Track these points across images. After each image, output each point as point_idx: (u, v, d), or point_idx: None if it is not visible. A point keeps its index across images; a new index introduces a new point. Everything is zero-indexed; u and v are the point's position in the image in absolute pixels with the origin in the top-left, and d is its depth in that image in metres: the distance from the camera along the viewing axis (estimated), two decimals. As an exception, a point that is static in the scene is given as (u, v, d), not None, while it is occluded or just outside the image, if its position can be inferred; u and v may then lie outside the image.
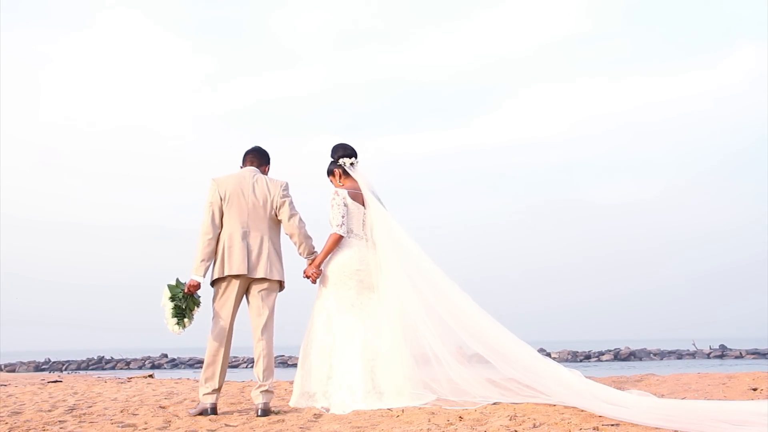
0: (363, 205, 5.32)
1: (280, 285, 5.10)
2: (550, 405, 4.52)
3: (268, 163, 5.28)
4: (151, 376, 10.19)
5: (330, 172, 5.48)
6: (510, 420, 4.08)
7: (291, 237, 5.17)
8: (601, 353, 26.79)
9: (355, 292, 5.21)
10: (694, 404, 4.31)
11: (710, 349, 27.78)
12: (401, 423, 4.21)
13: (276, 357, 25.61)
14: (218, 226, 4.98)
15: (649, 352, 26.93)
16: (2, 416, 5.07)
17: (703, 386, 5.87)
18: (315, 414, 4.76)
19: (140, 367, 26.26)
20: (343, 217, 5.20)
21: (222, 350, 4.95)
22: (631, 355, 26.32)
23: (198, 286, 4.95)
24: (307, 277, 5.29)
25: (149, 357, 28.58)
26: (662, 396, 5.22)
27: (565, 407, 4.42)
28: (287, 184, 5.13)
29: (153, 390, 7.18)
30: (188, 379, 9.37)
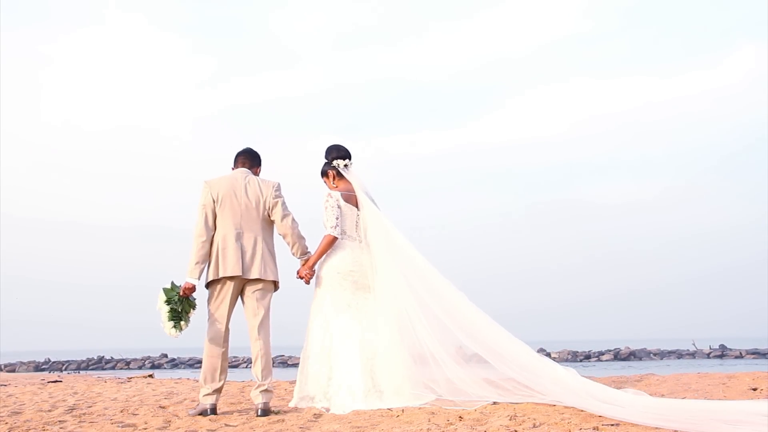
0: (356, 206, 5.33)
1: (275, 285, 5.11)
2: (550, 405, 4.52)
3: (260, 165, 5.31)
4: (151, 376, 10.19)
5: (324, 174, 5.48)
6: (510, 420, 4.09)
7: (284, 237, 5.18)
8: (601, 353, 26.79)
9: (350, 292, 5.22)
10: (689, 404, 4.32)
11: (710, 349, 27.77)
12: (401, 423, 4.21)
13: (276, 357, 25.65)
14: (211, 229, 4.99)
15: (649, 352, 26.93)
16: (2, 416, 5.08)
17: (703, 386, 5.87)
18: (315, 414, 4.77)
19: (140, 367, 26.26)
20: (336, 218, 5.22)
21: (220, 351, 4.96)
22: (631, 355, 26.33)
23: (193, 288, 4.96)
24: (301, 277, 5.30)
25: (149, 357, 28.59)
26: (662, 396, 5.22)
27: (565, 407, 4.42)
28: (279, 184, 5.15)
29: (153, 390, 7.18)
30: (188, 379, 9.37)
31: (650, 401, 4.39)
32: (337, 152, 5.44)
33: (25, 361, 27.66)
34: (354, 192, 5.35)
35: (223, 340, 4.97)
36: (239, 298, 5.07)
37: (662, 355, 26.85)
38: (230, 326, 5.02)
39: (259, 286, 5.02)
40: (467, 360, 5.05)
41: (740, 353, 26.56)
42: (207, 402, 4.93)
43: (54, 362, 27.90)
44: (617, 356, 26.19)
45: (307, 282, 5.31)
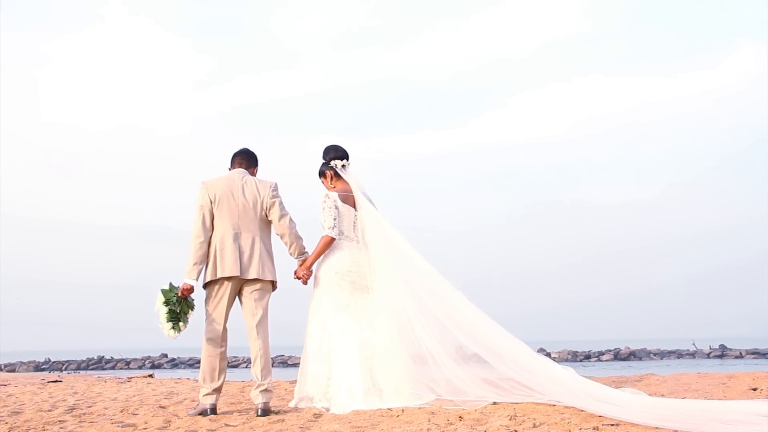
0: (354, 207, 5.34)
1: (273, 285, 5.12)
2: (549, 405, 4.52)
3: (257, 165, 5.31)
4: (151, 375, 10.19)
5: (321, 174, 5.49)
6: (510, 420, 4.08)
7: (282, 237, 5.18)
8: (601, 353, 26.80)
9: (348, 293, 5.23)
10: (687, 403, 4.32)
11: (710, 349, 27.78)
12: (401, 423, 4.21)
13: (276, 357, 25.65)
14: (209, 229, 4.99)
15: (649, 352, 26.93)
16: (2, 416, 5.07)
17: (703, 386, 5.87)
18: (315, 414, 4.77)
19: (140, 367, 26.26)
20: (334, 219, 5.22)
21: (218, 351, 4.97)
22: (631, 355, 26.33)
23: (191, 289, 4.97)
24: (298, 278, 5.31)
25: (149, 357, 28.59)
26: (662, 396, 5.22)
27: (565, 407, 4.42)
28: (276, 184, 5.15)
29: (153, 390, 7.18)
30: (188, 379, 9.37)
31: (648, 401, 4.40)
32: (335, 153, 5.44)
33: (25, 361, 27.67)
34: (352, 192, 5.36)
35: (221, 340, 4.97)
36: (237, 298, 5.08)
37: (662, 355, 26.85)
38: (229, 326, 5.02)
39: (257, 286, 5.02)
40: (467, 360, 5.05)
41: (740, 353, 26.56)
42: (207, 402, 4.93)
43: (54, 362, 27.91)
44: (617, 356, 26.19)
45: (305, 282, 5.31)
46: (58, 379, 10.11)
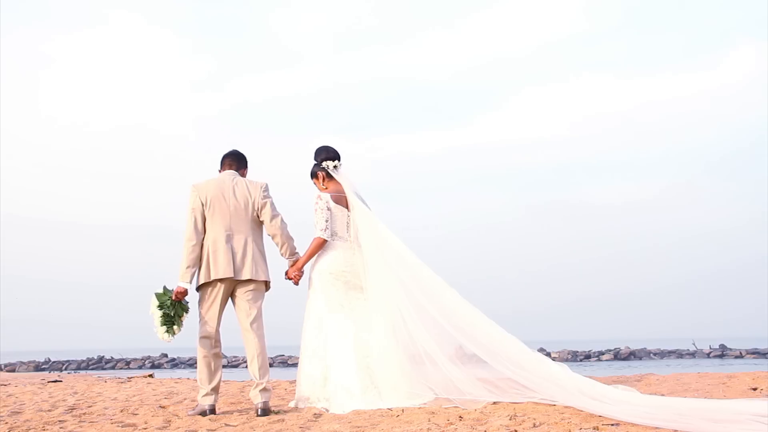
0: (347, 207, 5.34)
1: (267, 285, 5.12)
2: (549, 405, 4.52)
3: (246, 166, 5.33)
4: (151, 375, 10.20)
5: (313, 175, 5.49)
6: (510, 420, 4.08)
7: (273, 238, 5.19)
8: (601, 353, 26.81)
9: (343, 293, 5.24)
10: (678, 402, 4.30)
11: (710, 349, 27.78)
12: (401, 423, 4.21)
13: (276, 357, 25.65)
14: (201, 232, 5.00)
15: (649, 352, 26.94)
16: (2, 416, 5.08)
17: (703, 386, 5.87)
18: (315, 414, 4.77)
19: (140, 367, 26.27)
20: (326, 221, 5.23)
21: (212, 351, 4.99)
22: (631, 355, 26.34)
23: (185, 292, 4.98)
24: (289, 278, 5.31)
25: (149, 357, 28.60)
26: (662, 395, 5.21)
27: (565, 407, 4.42)
28: (267, 185, 5.16)
29: (153, 390, 7.19)
30: (188, 378, 9.37)
31: (639, 398, 4.40)
32: (327, 153, 5.44)
33: (25, 361, 27.67)
34: (344, 193, 5.36)
35: (215, 341, 5.00)
36: (230, 299, 5.09)
37: (662, 355, 26.86)
38: (228, 327, 5.04)
39: (251, 287, 5.03)
40: (466, 359, 5.04)
41: (740, 353, 26.58)
42: (206, 402, 4.93)
43: (54, 362, 27.92)
44: (617, 356, 26.20)
45: (296, 283, 5.32)
46: (58, 379, 10.11)
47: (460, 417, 4.30)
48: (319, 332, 5.20)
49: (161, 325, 4.94)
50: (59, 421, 4.81)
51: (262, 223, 5.14)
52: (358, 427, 4.15)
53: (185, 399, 6.06)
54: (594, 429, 3.78)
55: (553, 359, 5.32)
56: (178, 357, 28.37)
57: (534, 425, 3.92)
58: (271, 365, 5.11)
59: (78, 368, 26.41)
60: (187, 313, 5.02)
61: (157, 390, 7.13)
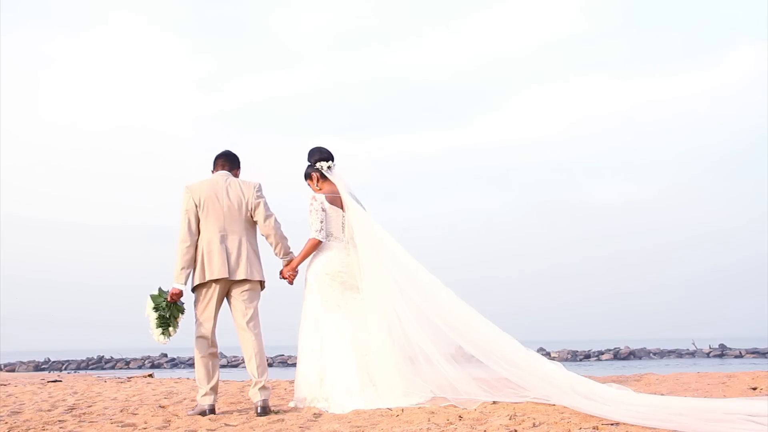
0: (342, 208, 5.34)
1: (261, 285, 5.13)
2: (549, 404, 4.52)
3: (239, 167, 5.33)
4: (150, 375, 10.20)
5: (307, 176, 5.49)
6: (509, 419, 4.08)
7: (267, 238, 5.19)
8: (601, 353, 26.81)
9: (339, 293, 5.25)
10: (672, 401, 4.29)
11: (710, 348, 27.77)
12: (401, 422, 4.21)
13: (276, 357, 25.67)
14: (195, 233, 5.01)
15: (649, 352, 26.94)
16: (2, 416, 5.08)
17: (703, 385, 5.87)
18: (315, 413, 4.77)
19: (140, 367, 26.28)
20: (321, 222, 5.24)
21: (209, 351, 4.99)
22: (631, 355, 26.34)
23: (180, 294, 4.98)
24: (284, 278, 5.32)
25: (149, 357, 28.61)
26: (662, 395, 5.21)
27: (564, 406, 4.41)
28: (260, 185, 5.16)
29: (153, 390, 7.19)
30: (188, 378, 9.37)
31: (634, 398, 4.40)
32: (320, 154, 5.44)
33: (25, 360, 27.68)
34: (339, 193, 5.37)
35: (211, 341, 5.01)
36: (225, 299, 5.09)
37: (662, 354, 26.86)
38: (228, 327, 5.04)
39: (246, 287, 5.03)
40: (465, 359, 5.04)
41: (740, 353, 26.58)
42: (205, 402, 4.94)
43: (54, 362, 27.92)
44: (617, 356, 26.20)
45: (291, 282, 5.34)
46: (58, 379, 10.12)
47: (460, 417, 4.30)
48: (316, 332, 5.20)
49: (157, 327, 4.95)
50: (59, 421, 4.81)
51: (255, 223, 5.14)
52: (358, 427, 4.15)
53: (185, 399, 6.06)
54: (593, 429, 3.78)
55: (553, 359, 5.32)
56: (178, 357, 28.36)
57: (534, 425, 3.92)
58: (270, 365, 5.11)
59: (78, 368, 26.41)
60: (182, 314, 5.02)
61: (157, 390, 7.13)
